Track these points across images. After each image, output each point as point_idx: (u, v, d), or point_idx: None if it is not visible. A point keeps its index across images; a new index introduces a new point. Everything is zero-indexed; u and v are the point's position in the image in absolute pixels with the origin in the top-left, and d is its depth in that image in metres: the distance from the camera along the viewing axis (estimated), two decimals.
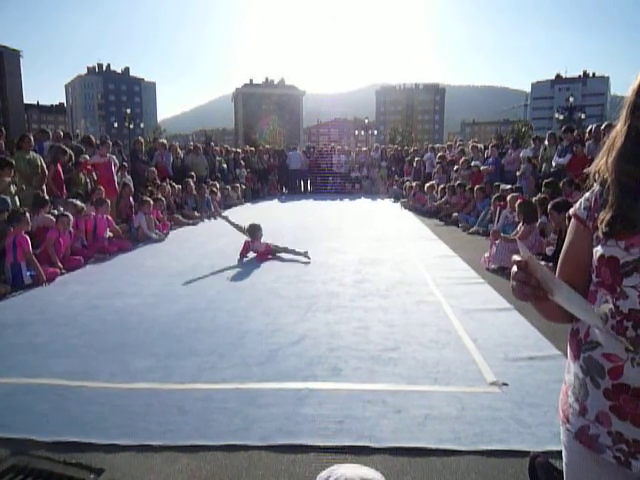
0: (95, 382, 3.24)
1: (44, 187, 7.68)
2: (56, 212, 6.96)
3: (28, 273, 5.73)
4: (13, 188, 6.78)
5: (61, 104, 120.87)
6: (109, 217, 8.15)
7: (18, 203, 6.81)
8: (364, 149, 20.19)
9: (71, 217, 6.73)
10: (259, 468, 2.37)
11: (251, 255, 7.28)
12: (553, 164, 9.71)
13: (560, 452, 1.31)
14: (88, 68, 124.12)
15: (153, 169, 11.67)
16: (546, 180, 8.11)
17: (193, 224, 10.69)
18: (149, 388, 3.16)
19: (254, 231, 7.29)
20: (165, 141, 14.56)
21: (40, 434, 2.60)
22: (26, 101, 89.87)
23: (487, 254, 6.68)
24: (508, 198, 7.58)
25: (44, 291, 5.59)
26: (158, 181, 11.29)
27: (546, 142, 10.47)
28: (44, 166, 7.66)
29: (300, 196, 17.15)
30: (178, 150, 14.08)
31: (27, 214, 6.08)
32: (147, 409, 2.90)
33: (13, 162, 6.85)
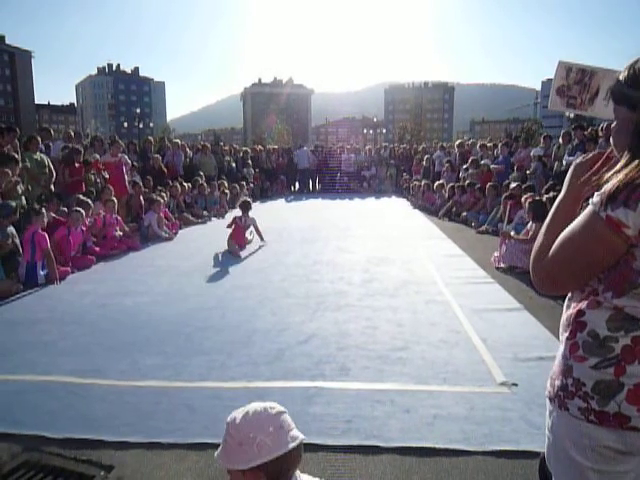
0: (105, 380, 3.26)
1: (52, 187, 7.75)
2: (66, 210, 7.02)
3: (42, 272, 5.78)
4: (20, 188, 6.83)
5: (72, 104, 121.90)
6: (118, 217, 8.21)
7: (25, 203, 6.85)
8: (370, 147, 20.15)
9: (83, 213, 6.76)
10: None
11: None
12: (564, 163, 9.62)
13: None
14: (98, 68, 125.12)
15: (157, 156, 11.85)
16: (552, 182, 8.07)
17: (202, 223, 10.74)
18: (158, 386, 3.18)
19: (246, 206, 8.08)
20: (179, 141, 14.65)
21: (51, 431, 2.63)
22: (37, 101, 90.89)
23: (497, 253, 6.64)
24: (523, 199, 7.51)
25: (54, 290, 5.64)
26: (164, 168, 11.51)
27: (560, 140, 10.36)
28: (51, 166, 7.72)
29: (308, 195, 17.15)
30: (187, 149, 14.16)
31: (43, 210, 6.12)
32: (156, 407, 2.92)
33: (18, 157, 6.88)
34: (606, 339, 1.16)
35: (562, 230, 1.21)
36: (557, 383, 1.27)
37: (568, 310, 1.28)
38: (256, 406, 1.33)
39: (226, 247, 7.52)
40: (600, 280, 1.18)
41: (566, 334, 1.26)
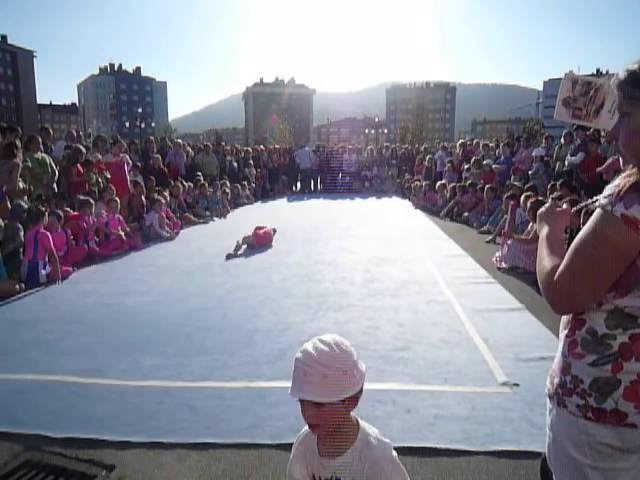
0: (106, 379, 3.27)
1: (54, 186, 7.76)
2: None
3: (44, 271, 5.79)
4: (22, 185, 6.83)
5: (73, 104, 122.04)
6: (120, 217, 8.22)
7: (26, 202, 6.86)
8: (372, 147, 20.14)
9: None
10: (269, 466, 2.37)
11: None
12: (566, 163, 9.61)
13: None
14: (100, 68, 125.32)
15: (158, 156, 11.83)
16: (552, 183, 8.06)
17: (204, 223, 10.74)
18: (160, 386, 3.19)
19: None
20: (181, 141, 14.68)
21: (53, 430, 2.63)
22: (39, 101, 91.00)
23: (498, 253, 6.63)
24: (522, 198, 7.51)
25: (56, 289, 5.65)
26: (164, 168, 11.55)
27: (562, 140, 10.34)
28: (53, 165, 7.73)
29: (310, 195, 17.15)
30: (188, 149, 14.16)
31: (46, 213, 6.12)
32: (158, 407, 2.92)
33: (18, 143, 6.88)
34: (604, 337, 1.17)
35: (563, 253, 1.21)
36: (556, 381, 1.28)
37: None
38: (330, 337, 1.33)
39: (226, 247, 7.50)
40: None
41: (565, 332, 1.27)
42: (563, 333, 1.29)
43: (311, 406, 1.26)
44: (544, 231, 1.40)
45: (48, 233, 5.90)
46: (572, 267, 1.16)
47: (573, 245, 1.17)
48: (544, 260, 1.29)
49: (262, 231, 8.06)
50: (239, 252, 7.38)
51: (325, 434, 1.32)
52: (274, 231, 8.38)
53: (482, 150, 13.32)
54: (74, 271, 6.28)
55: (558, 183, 7.57)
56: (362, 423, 1.40)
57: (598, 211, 1.13)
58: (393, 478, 1.31)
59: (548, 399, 1.32)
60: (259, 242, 7.86)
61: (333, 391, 1.25)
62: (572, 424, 1.22)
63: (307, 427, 1.39)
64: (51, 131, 10.17)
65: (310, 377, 1.25)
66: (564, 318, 1.30)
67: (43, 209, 6.09)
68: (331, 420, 1.28)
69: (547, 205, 1.48)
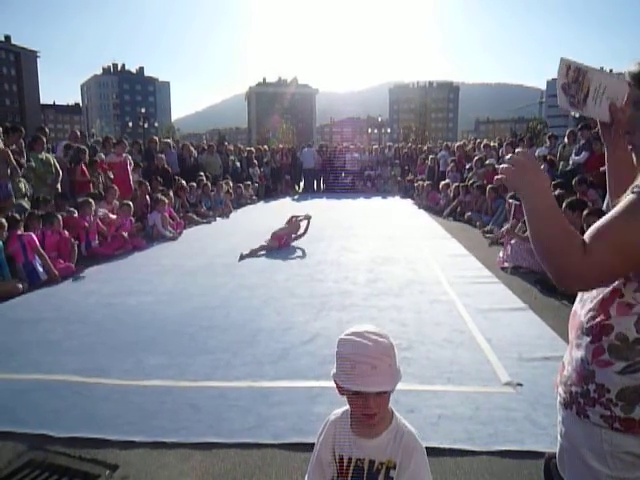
0: (109, 379, 3.27)
1: (58, 186, 7.77)
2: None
3: (41, 269, 5.81)
4: (24, 188, 6.84)
5: (77, 104, 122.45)
6: (132, 219, 8.26)
7: (30, 204, 6.88)
8: (375, 147, 20.15)
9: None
10: (272, 466, 2.37)
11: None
12: (570, 162, 9.56)
13: None
14: (103, 68, 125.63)
15: (162, 156, 11.86)
16: (554, 182, 8.02)
17: (207, 223, 10.75)
18: (163, 385, 3.19)
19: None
20: (170, 140, 14.68)
21: (56, 430, 2.63)
22: (42, 101, 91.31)
23: (502, 253, 6.61)
24: None
25: (59, 289, 5.66)
26: (168, 168, 11.58)
27: (565, 140, 10.28)
28: (57, 166, 7.75)
29: (313, 195, 17.14)
30: (192, 149, 14.15)
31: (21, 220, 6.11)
32: (161, 406, 2.92)
33: (23, 158, 6.92)
34: (636, 341, 1.11)
35: (560, 216, 1.08)
36: (575, 390, 1.22)
37: (586, 313, 1.21)
38: (370, 327, 1.41)
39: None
40: (629, 279, 1.12)
41: (588, 338, 1.19)
42: (583, 339, 1.21)
43: (374, 397, 1.34)
44: (533, 199, 1.13)
45: (31, 233, 5.93)
46: (611, 247, 1.03)
47: (607, 221, 1.05)
48: (554, 228, 1.08)
49: (288, 230, 7.96)
50: (246, 254, 7.32)
51: (378, 419, 1.37)
52: (308, 219, 8.24)
53: (483, 150, 13.27)
54: (77, 269, 6.28)
55: (575, 180, 7.54)
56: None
57: (633, 196, 1.05)
58: (422, 471, 1.37)
59: (562, 407, 1.27)
60: (279, 241, 7.74)
61: (396, 377, 1.37)
62: (594, 434, 1.18)
63: (337, 411, 1.50)
64: (47, 130, 10.19)
65: (379, 370, 1.33)
66: (579, 323, 1.23)
67: (18, 216, 6.08)
68: (387, 405, 1.39)
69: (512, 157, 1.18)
